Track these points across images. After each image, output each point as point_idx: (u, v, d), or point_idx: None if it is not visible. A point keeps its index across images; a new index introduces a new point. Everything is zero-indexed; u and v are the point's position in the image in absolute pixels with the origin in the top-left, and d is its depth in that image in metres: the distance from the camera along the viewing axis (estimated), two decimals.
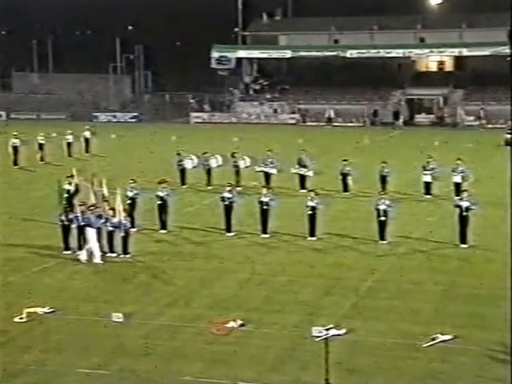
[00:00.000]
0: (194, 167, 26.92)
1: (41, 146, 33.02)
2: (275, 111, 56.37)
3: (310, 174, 24.90)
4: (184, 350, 11.43)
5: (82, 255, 16.20)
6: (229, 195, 18.81)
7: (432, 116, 53.63)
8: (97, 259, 16.08)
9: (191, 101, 57.93)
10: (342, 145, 38.96)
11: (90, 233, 16.15)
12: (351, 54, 55.83)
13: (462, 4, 53.60)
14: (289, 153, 28.94)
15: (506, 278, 14.11)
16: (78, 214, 16.49)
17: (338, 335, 11.26)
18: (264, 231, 18.34)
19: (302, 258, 16.51)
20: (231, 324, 12.22)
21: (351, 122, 53.14)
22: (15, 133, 32.44)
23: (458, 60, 55.99)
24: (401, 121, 52.78)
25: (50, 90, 62.64)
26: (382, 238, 17.71)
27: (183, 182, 25.76)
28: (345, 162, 24.71)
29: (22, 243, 18.19)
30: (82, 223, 16.34)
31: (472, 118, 51.25)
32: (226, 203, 18.66)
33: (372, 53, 55.83)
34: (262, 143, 34.30)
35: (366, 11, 55.82)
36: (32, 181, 28.22)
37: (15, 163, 31.46)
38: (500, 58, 51.29)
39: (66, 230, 16.85)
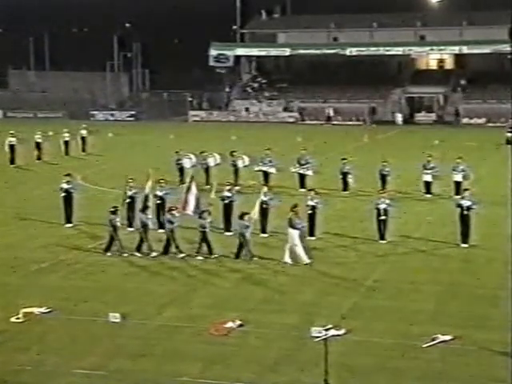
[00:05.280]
0: (193, 166, 26.81)
1: (38, 145, 32.90)
2: (274, 110, 56.25)
3: (310, 173, 24.78)
4: (182, 350, 11.34)
5: (286, 257, 15.69)
6: (228, 194, 18.72)
7: (432, 114, 53.58)
8: (305, 260, 15.62)
9: (189, 99, 57.82)
10: (342, 143, 38.87)
11: (294, 234, 15.70)
12: (350, 51, 55.76)
13: (463, 2, 53.58)
14: (288, 151, 28.83)
15: (506, 278, 14.05)
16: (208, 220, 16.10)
17: (338, 335, 11.18)
18: (263, 231, 18.23)
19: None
20: (230, 324, 12.13)
21: (351, 121, 53.07)
22: (12, 131, 32.31)
23: (459, 58, 55.94)
24: (400, 119, 52.70)
25: (46, 88, 62.53)
26: (382, 237, 17.60)
27: (182, 181, 25.67)
28: (344, 161, 24.61)
29: (19, 243, 18.07)
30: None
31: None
32: (226, 202, 18.57)
33: (372, 51, 55.79)
34: (261, 142, 34.20)
35: (365, 9, 55.78)
36: (29, 180, 28.09)
37: (12, 162, 31.33)
38: (500, 56, 51.25)
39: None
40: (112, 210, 16.64)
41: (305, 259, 15.67)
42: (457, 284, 14.57)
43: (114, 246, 16.47)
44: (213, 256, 16.10)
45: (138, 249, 16.47)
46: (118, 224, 16.45)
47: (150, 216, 16.62)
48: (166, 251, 16.33)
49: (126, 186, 19.36)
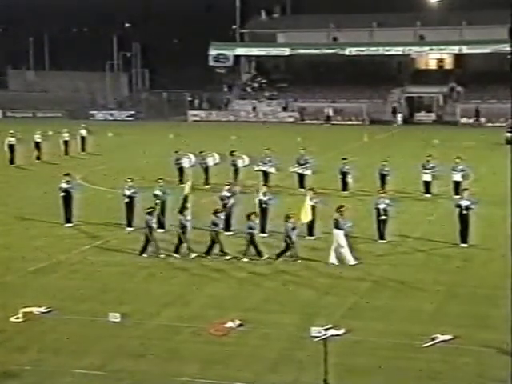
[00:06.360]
0: (192, 166, 26.81)
1: (37, 145, 32.88)
2: (274, 109, 56.23)
3: (309, 172, 24.77)
4: (181, 350, 11.32)
5: (332, 258, 15.58)
6: (227, 194, 18.70)
7: (432, 114, 53.54)
8: (351, 261, 15.50)
9: (189, 99, 57.74)
10: (341, 143, 38.85)
11: (340, 236, 15.59)
12: (350, 51, 55.70)
13: (462, 1, 53.53)
14: (287, 151, 28.83)
15: (506, 278, 14.05)
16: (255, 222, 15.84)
17: (337, 335, 11.17)
18: (263, 230, 18.19)
19: (300, 257, 16.37)
20: (229, 324, 12.12)
21: (350, 120, 53.04)
22: (11, 131, 32.30)
23: (458, 58, 55.90)
24: (399, 119, 52.64)
25: (46, 87, 62.47)
26: (382, 237, 17.58)
27: (181, 181, 25.69)
28: (344, 161, 24.61)
29: (19, 242, 18.05)
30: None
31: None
32: (225, 202, 18.55)
33: (371, 50, 55.71)
34: (260, 141, 34.20)
35: (364, 9, 55.74)
36: (28, 180, 28.07)
37: (11, 162, 31.32)
38: (500, 55, 51.23)
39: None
40: (148, 210, 16.51)
41: (351, 260, 15.59)
42: (457, 284, 14.55)
43: (150, 247, 16.25)
44: (262, 258, 15.88)
45: (177, 250, 16.23)
46: (154, 225, 16.25)
47: (188, 217, 16.37)
48: (208, 252, 16.11)
49: (124, 186, 19.37)
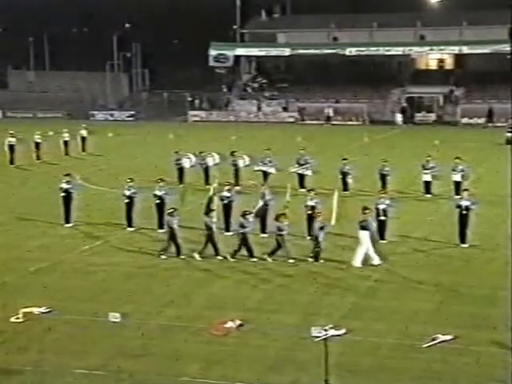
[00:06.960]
0: (192, 166, 26.81)
1: (37, 145, 32.88)
2: (274, 110, 56.22)
3: (309, 173, 24.76)
4: (182, 350, 11.33)
5: (376, 259, 15.53)
6: (227, 194, 18.71)
7: (432, 114, 53.48)
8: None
9: (189, 99, 57.71)
10: (342, 143, 38.85)
11: (365, 236, 15.57)
12: (350, 51, 55.66)
13: (463, 1, 53.51)
14: (287, 151, 28.82)
15: (506, 278, 14.05)
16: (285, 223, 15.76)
17: (338, 335, 11.17)
18: (263, 231, 18.21)
19: (301, 257, 16.37)
20: (230, 324, 12.12)
21: (350, 121, 53.04)
22: (11, 131, 32.31)
23: (459, 58, 55.87)
24: (400, 119, 52.60)
25: (46, 88, 62.41)
26: (382, 237, 17.58)
27: (181, 181, 25.70)
28: (344, 161, 24.61)
29: (18, 243, 18.06)
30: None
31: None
32: (225, 202, 18.57)
33: (371, 51, 55.67)
34: (261, 142, 34.21)
35: (365, 9, 55.72)
36: (29, 180, 28.08)
37: (11, 162, 31.33)
38: (500, 55, 51.21)
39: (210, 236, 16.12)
40: (169, 211, 16.52)
41: (357, 262, 15.56)
42: (457, 284, 14.55)
43: (170, 248, 16.26)
44: (290, 260, 15.81)
45: (216, 252, 16.17)
46: (175, 226, 16.22)
47: (214, 219, 16.40)
48: (235, 253, 16.10)
49: (124, 186, 19.38)
